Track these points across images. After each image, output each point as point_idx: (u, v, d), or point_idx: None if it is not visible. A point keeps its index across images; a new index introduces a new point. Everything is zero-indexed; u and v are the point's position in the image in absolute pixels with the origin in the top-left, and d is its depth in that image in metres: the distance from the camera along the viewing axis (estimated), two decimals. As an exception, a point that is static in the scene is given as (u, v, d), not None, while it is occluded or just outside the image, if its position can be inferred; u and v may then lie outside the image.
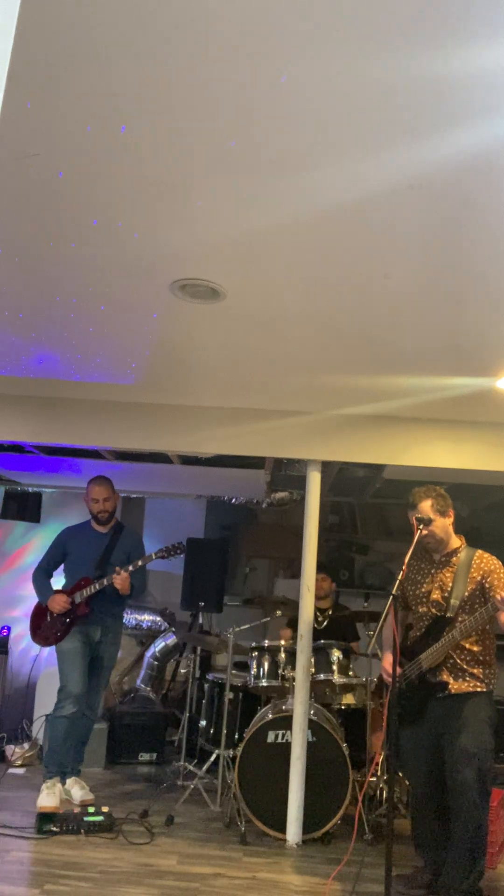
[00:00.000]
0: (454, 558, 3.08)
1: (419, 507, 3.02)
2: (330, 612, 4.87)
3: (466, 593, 2.98)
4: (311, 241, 2.07)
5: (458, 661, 2.95)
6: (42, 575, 4.15)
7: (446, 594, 3.03)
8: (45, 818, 3.51)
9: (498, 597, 2.74)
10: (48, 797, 3.75)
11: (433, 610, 3.05)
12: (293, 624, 4.58)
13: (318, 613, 4.75)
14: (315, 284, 2.36)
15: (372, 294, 2.39)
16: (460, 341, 2.75)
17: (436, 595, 3.06)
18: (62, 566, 4.21)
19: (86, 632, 4.00)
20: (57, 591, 4.03)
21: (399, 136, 1.57)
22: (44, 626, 4.05)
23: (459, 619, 2.96)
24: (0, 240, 2.22)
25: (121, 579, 3.86)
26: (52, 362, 3.40)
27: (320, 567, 4.26)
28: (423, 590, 3.12)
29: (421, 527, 2.97)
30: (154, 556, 3.96)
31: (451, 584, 3.03)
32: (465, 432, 3.96)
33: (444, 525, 3.05)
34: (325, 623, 4.76)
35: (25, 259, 2.34)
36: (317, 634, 4.40)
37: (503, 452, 3.94)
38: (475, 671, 2.94)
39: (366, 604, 5.37)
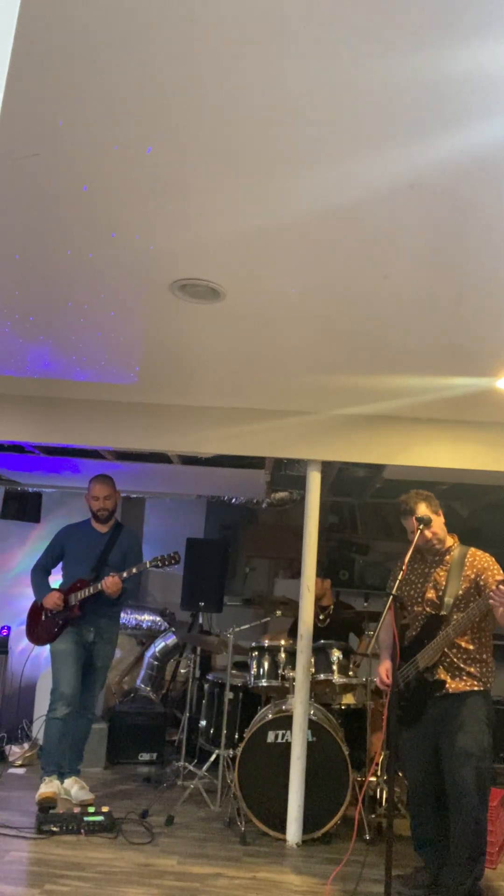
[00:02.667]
0: (447, 557, 3.09)
1: (416, 510, 3.05)
2: (331, 610, 4.86)
3: (461, 592, 2.98)
4: (310, 241, 2.07)
5: (455, 659, 2.96)
6: (40, 573, 4.15)
7: (440, 593, 3.03)
8: (46, 818, 3.51)
9: (492, 585, 2.76)
10: (47, 786, 3.81)
11: (428, 609, 3.06)
12: (294, 632, 4.57)
13: (320, 612, 4.74)
14: (315, 284, 2.36)
15: (372, 294, 2.39)
16: (460, 341, 2.75)
17: (430, 594, 3.07)
18: (60, 564, 4.21)
19: (79, 633, 4.00)
20: (53, 590, 4.03)
21: (399, 137, 1.57)
22: (39, 625, 4.05)
23: (454, 617, 2.96)
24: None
25: (109, 584, 3.83)
26: (57, 364, 3.40)
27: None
28: (417, 590, 3.13)
29: (422, 527, 2.99)
30: (148, 565, 3.92)
31: (444, 583, 3.04)
32: (465, 432, 3.96)
33: (440, 523, 3.10)
34: (327, 621, 4.75)
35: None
36: (319, 633, 4.40)
37: (503, 452, 3.94)
38: (471, 669, 2.94)
39: (366, 604, 5.37)
